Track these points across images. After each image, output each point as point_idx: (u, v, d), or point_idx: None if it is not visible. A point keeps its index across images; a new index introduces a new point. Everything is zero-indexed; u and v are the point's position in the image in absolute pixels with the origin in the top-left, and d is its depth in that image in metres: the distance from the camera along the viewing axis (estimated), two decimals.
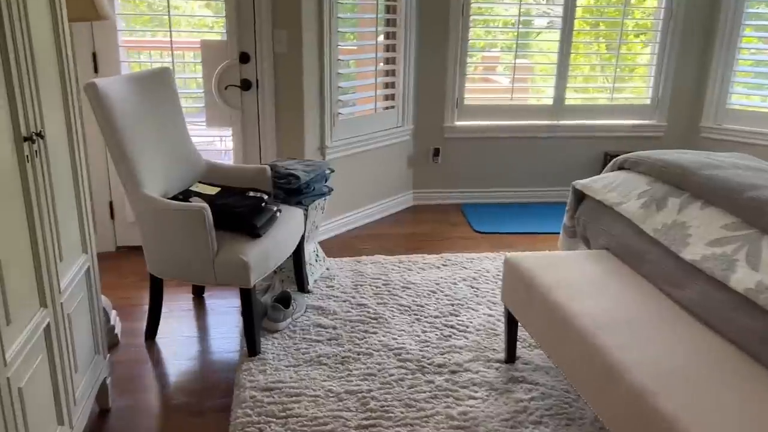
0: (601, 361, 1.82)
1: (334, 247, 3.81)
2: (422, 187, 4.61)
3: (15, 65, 1.52)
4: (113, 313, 2.80)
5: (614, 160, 2.86)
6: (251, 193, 2.73)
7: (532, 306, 2.27)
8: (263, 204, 2.68)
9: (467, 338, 2.77)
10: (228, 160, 3.70)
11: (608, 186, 2.67)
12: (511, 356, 2.60)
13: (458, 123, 4.53)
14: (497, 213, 4.44)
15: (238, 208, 2.59)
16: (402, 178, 4.49)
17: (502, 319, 2.92)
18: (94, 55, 3.34)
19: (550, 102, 4.60)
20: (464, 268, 3.50)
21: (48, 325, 1.69)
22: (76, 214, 1.99)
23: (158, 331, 2.82)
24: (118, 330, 2.77)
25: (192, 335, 2.83)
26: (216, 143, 4.32)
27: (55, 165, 1.80)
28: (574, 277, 2.28)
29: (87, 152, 3.43)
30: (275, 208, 2.74)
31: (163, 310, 3.00)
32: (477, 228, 4.15)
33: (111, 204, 3.60)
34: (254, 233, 2.57)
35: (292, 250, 2.88)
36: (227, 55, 3.47)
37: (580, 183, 2.82)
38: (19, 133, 1.54)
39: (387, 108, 4.27)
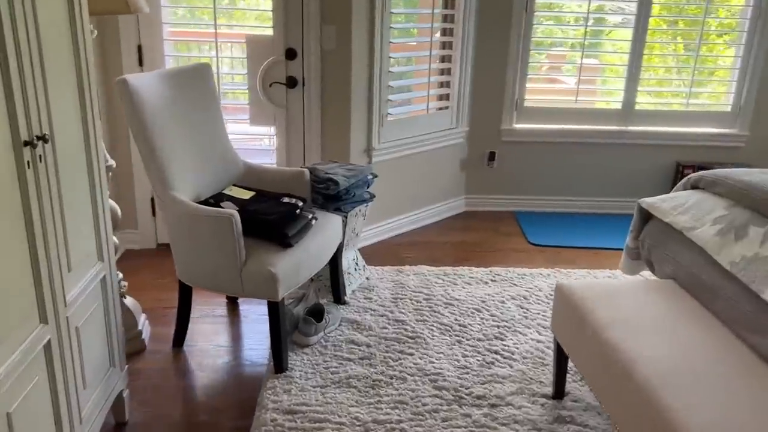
0: (663, 424, 1.56)
1: (377, 254, 3.63)
2: (475, 193, 4.37)
3: (16, 63, 1.40)
4: (142, 317, 2.72)
5: (687, 177, 2.54)
6: (286, 199, 2.57)
7: (584, 343, 2.02)
8: (297, 211, 2.52)
9: (512, 367, 2.54)
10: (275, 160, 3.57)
11: (679, 207, 2.37)
12: (559, 391, 2.36)
13: (517, 126, 4.26)
14: (555, 224, 4.15)
15: (269, 215, 2.44)
16: (454, 182, 4.26)
17: (552, 346, 2.67)
18: (140, 48, 3.27)
19: (618, 106, 4.26)
20: (514, 284, 3.25)
21: (48, 342, 1.58)
22: (92, 221, 1.88)
23: (187, 338, 2.72)
24: (146, 335, 2.68)
25: (221, 344, 2.71)
26: (264, 141, 4.21)
27: (65, 170, 1.68)
28: (635, 312, 2.01)
29: (128, 149, 3.38)
30: (310, 216, 2.58)
31: (196, 314, 2.91)
32: (532, 239, 3.88)
33: (152, 201, 3.54)
34: (285, 243, 2.41)
35: (327, 260, 2.71)
36: (273, 51, 3.33)
37: (647, 202, 2.53)
38: (18, 137, 1.42)
39: (440, 108, 4.04)
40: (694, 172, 4.28)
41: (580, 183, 4.36)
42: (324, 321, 2.70)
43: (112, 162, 2.44)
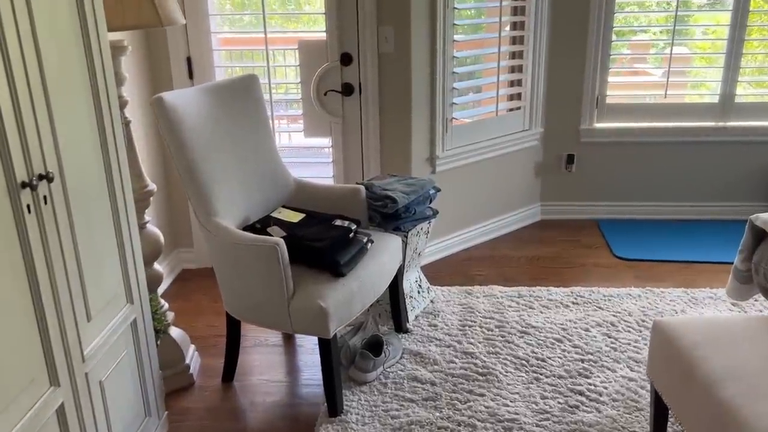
0: None
1: (443, 271, 3.34)
2: (552, 200, 3.99)
3: (8, 91, 1.21)
4: (191, 350, 2.55)
5: None
6: (338, 222, 2.33)
7: (692, 399, 1.66)
8: (351, 235, 2.27)
9: (600, 412, 2.19)
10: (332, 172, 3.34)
11: None
12: None
13: (598, 125, 3.85)
14: (644, 233, 3.72)
15: (319, 241, 2.20)
16: (528, 189, 3.91)
17: (647, 385, 2.30)
18: (189, 60, 3.12)
19: (715, 99, 3.77)
20: (599, 308, 2.88)
21: (62, 406, 1.39)
22: (118, 261, 1.69)
23: (238, 370, 2.53)
24: (194, 369, 2.51)
25: (273, 379, 2.50)
26: (325, 151, 3.99)
27: (80, 207, 1.49)
28: (756, 360, 1.64)
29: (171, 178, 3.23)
30: (365, 239, 2.33)
31: (248, 342, 2.72)
32: (618, 252, 3.47)
33: None
34: (337, 272, 2.17)
35: (385, 287, 2.45)
36: (327, 57, 3.10)
37: (762, 218, 2.12)
38: (13, 179, 1.24)
39: (511, 110, 3.70)
40: None
41: (671, 187, 3.90)
42: (383, 354, 2.44)
43: (152, 186, 2.27)
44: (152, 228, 2.31)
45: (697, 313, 2.83)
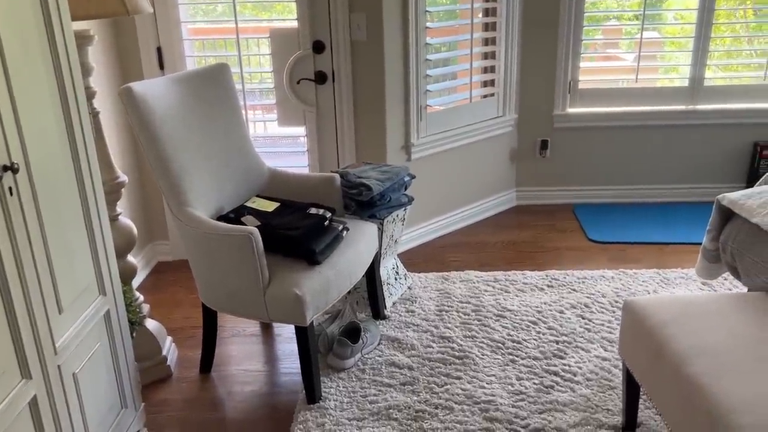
0: None
1: (420, 258, 3.36)
2: (527, 185, 4.03)
3: None
4: (167, 341, 2.53)
5: None
6: (313, 210, 2.33)
7: (662, 377, 1.70)
8: (326, 223, 2.28)
9: (574, 391, 2.23)
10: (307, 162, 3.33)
11: None
12: (630, 423, 2.04)
13: (571, 110, 3.89)
14: (618, 216, 3.77)
15: (294, 229, 2.20)
16: (503, 175, 3.94)
17: (620, 364, 2.35)
18: (159, 50, 3.08)
19: (685, 83, 3.83)
20: (574, 290, 2.92)
21: (34, 399, 1.38)
22: (89, 252, 1.67)
23: (216, 361, 2.52)
24: (171, 360, 2.50)
25: (251, 368, 2.50)
26: (300, 140, 3.98)
27: (48, 198, 1.47)
28: (724, 339, 1.68)
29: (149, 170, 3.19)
30: (341, 227, 2.33)
31: (226, 333, 2.72)
32: (592, 236, 3.52)
33: None
34: (313, 260, 2.17)
35: (362, 274, 2.46)
36: (300, 45, 3.08)
37: (728, 198, 2.17)
38: None
39: (485, 96, 3.71)
40: None
41: (643, 170, 3.96)
42: (361, 341, 2.45)
43: (123, 178, 2.25)
44: (125, 220, 2.29)
45: (668, 293, 2.88)
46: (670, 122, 3.85)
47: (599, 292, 2.89)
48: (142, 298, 2.42)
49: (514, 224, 3.77)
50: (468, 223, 3.77)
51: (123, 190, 2.30)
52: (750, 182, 3.85)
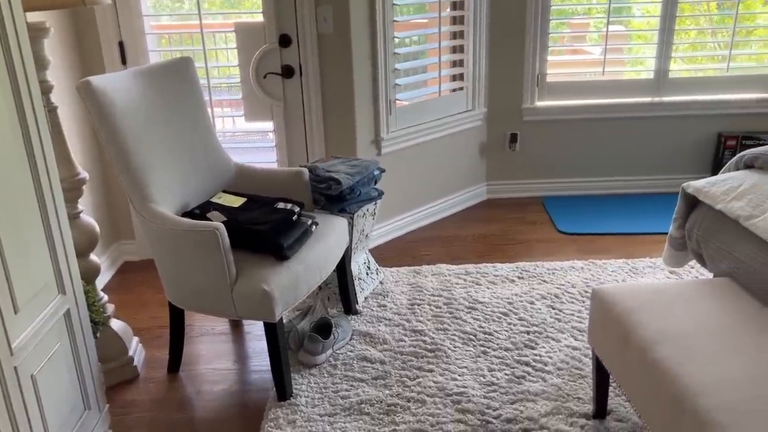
0: None
1: (391, 252, 3.34)
2: (497, 179, 4.04)
3: None
4: (134, 342, 2.48)
5: (740, 155, 2.19)
6: (281, 205, 2.30)
7: (629, 363, 1.71)
8: (294, 218, 2.25)
9: (545, 381, 2.24)
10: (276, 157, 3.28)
11: (732, 191, 2.03)
12: (600, 410, 2.05)
13: (539, 103, 3.91)
14: (586, 208, 3.80)
15: (261, 224, 2.16)
16: (474, 168, 3.94)
17: (590, 353, 2.36)
18: (121, 45, 3.01)
19: (650, 75, 3.88)
20: (544, 281, 2.94)
21: None
22: (46, 250, 1.62)
23: (185, 360, 2.48)
24: (138, 361, 2.45)
25: (221, 367, 2.46)
26: (269, 135, 3.94)
27: (0, 196, 1.42)
28: (689, 323, 1.70)
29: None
30: (309, 221, 2.30)
31: (194, 332, 2.67)
32: (561, 228, 3.55)
33: None
34: (280, 255, 2.14)
35: (332, 269, 2.43)
36: (265, 39, 3.04)
37: (693, 185, 2.19)
38: None
39: (455, 90, 3.71)
40: (737, 143, 3.90)
41: (611, 162, 4.00)
42: (332, 337, 2.43)
43: (84, 175, 2.19)
44: (86, 218, 2.23)
45: (670, 279, 2.91)
46: (636, 114, 3.90)
47: (569, 282, 2.91)
48: (106, 297, 2.36)
49: (484, 217, 3.77)
50: (439, 217, 3.77)
51: (85, 187, 2.24)
52: (715, 172, 3.90)
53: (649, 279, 2.94)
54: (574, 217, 3.68)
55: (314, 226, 2.33)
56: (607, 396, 2.05)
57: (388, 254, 3.32)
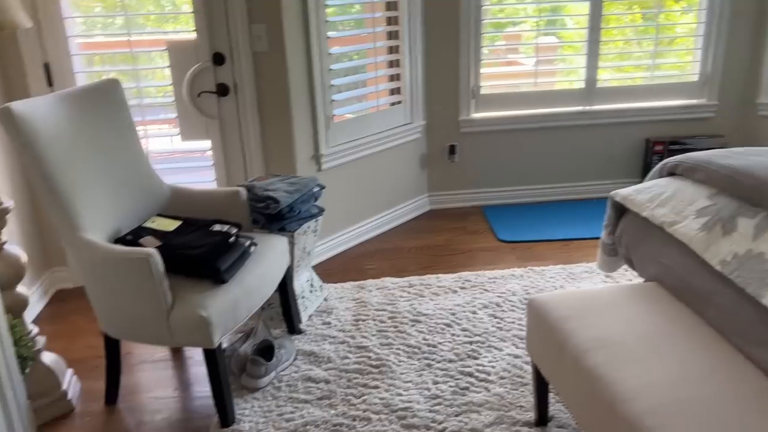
0: None
1: (336, 268, 3.33)
2: (439, 190, 4.09)
3: None
4: (68, 374, 2.39)
5: (663, 163, 2.29)
6: (217, 227, 2.26)
7: (565, 371, 1.76)
8: (231, 240, 2.21)
9: (489, 391, 2.27)
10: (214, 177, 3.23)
11: (656, 198, 2.12)
12: (542, 418, 2.10)
13: (476, 115, 3.99)
14: (525, 216, 3.89)
15: (196, 248, 2.13)
16: (415, 180, 3.98)
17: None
18: (47, 67, 2.91)
19: (581, 85, 4.01)
20: (485, 290, 2.98)
21: None
22: None
23: (123, 391, 2.40)
24: (73, 394, 2.35)
25: (162, 396, 2.39)
26: (207, 154, 3.87)
27: None
28: (619, 329, 1.75)
29: None
30: (247, 243, 2.27)
31: (133, 360, 2.60)
32: (501, 236, 3.62)
33: None
34: (218, 279, 2.10)
35: (272, 290, 2.41)
36: (198, 57, 2.99)
37: (620, 194, 2.27)
38: None
39: (393, 104, 3.75)
40: (664, 148, 4.08)
41: (547, 169, 4.11)
42: (275, 359, 2.40)
43: (8, 204, 2.10)
44: (12, 249, 2.14)
45: (574, 287, 3.00)
46: (568, 123, 4.02)
47: (509, 290, 2.97)
48: (36, 330, 2.27)
49: (427, 229, 3.81)
50: (383, 230, 3.79)
51: (11, 216, 2.15)
52: (644, 176, 4.06)
53: (586, 284, 3.02)
54: (513, 225, 3.76)
55: (253, 247, 2.30)
56: (547, 403, 2.10)
57: (332, 270, 3.31)
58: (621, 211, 2.31)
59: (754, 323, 1.59)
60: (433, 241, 3.63)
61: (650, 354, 1.63)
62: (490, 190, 4.11)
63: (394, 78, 3.75)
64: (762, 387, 1.49)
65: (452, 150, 4.01)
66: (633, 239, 2.19)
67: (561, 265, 3.21)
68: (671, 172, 2.24)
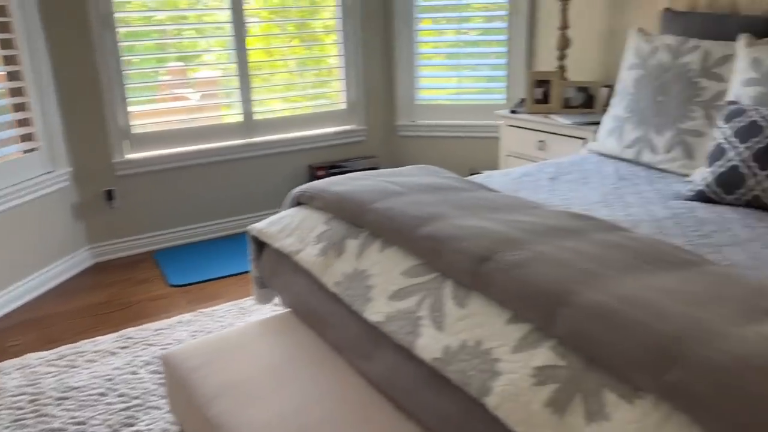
0: None
1: None
2: (101, 240, 3.74)
3: None
4: None
5: (290, 193, 2.38)
6: None
7: (196, 424, 1.68)
8: None
9: None
10: None
11: (286, 229, 2.19)
12: None
13: (132, 156, 3.75)
14: (197, 255, 3.77)
15: None
16: (69, 234, 3.57)
17: None
18: None
19: (240, 119, 4.04)
20: (149, 345, 2.78)
21: None
22: None
23: None
24: None
25: None
26: None
27: None
28: (248, 368, 1.74)
29: None
30: None
31: None
32: (172, 281, 3.44)
33: None
34: None
35: None
36: None
37: (256, 228, 2.31)
38: None
39: (27, 151, 3.31)
40: (326, 172, 4.33)
41: (215, 205, 4.05)
42: None
43: None
44: None
45: (243, 323, 2.96)
46: (230, 157, 4.02)
47: (177, 340, 2.81)
48: None
49: (88, 286, 3.44)
50: (31, 297, 3.30)
51: None
52: None
53: (256, 316, 3.01)
54: (185, 266, 3.61)
55: None
56: None
57: None
58: (261, 243, 2.34)
59: (361, 337, 1.71)
60: (95, 299, 3.28)
61: (274, 388, 1.64)
62: (159, 233, 3.90)
63: (23, 123, 3.32)
64: (371, 399, 1.59)
65: (110, 195, 3.70)
66: (271, 270, 2.23)
67: (232, 302, 3.16)
68: (299, 202, 2.33)
